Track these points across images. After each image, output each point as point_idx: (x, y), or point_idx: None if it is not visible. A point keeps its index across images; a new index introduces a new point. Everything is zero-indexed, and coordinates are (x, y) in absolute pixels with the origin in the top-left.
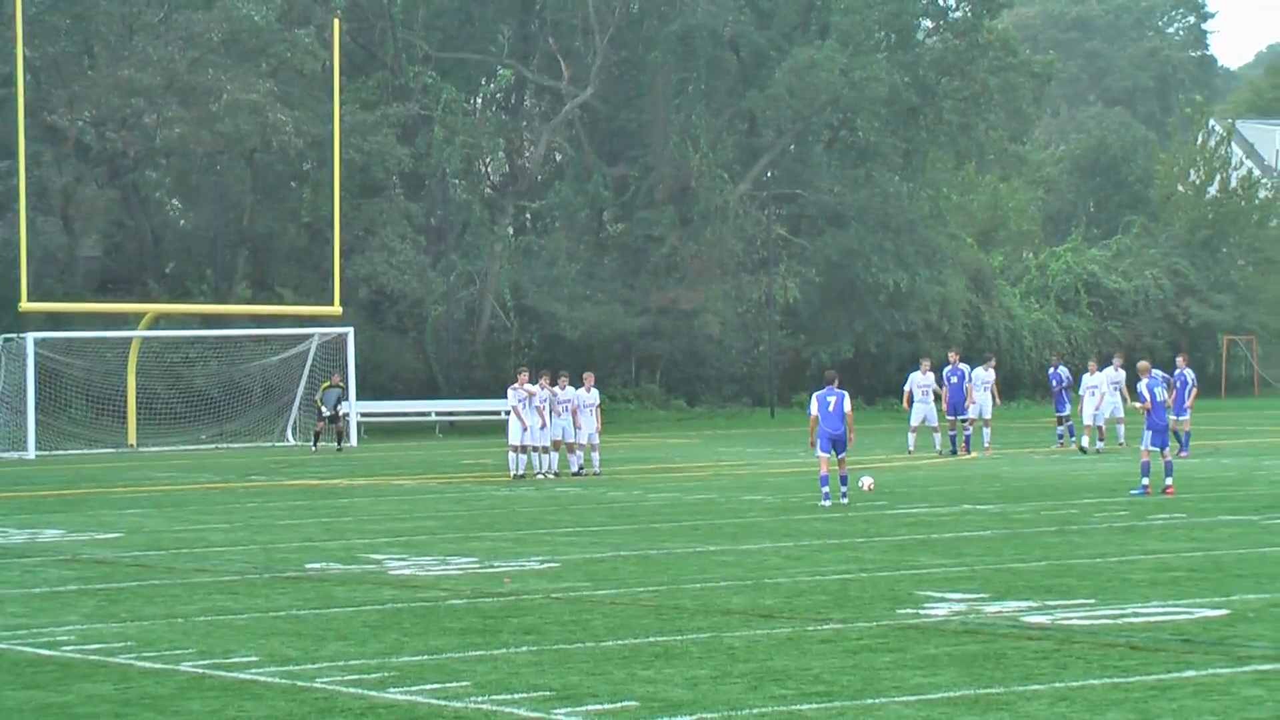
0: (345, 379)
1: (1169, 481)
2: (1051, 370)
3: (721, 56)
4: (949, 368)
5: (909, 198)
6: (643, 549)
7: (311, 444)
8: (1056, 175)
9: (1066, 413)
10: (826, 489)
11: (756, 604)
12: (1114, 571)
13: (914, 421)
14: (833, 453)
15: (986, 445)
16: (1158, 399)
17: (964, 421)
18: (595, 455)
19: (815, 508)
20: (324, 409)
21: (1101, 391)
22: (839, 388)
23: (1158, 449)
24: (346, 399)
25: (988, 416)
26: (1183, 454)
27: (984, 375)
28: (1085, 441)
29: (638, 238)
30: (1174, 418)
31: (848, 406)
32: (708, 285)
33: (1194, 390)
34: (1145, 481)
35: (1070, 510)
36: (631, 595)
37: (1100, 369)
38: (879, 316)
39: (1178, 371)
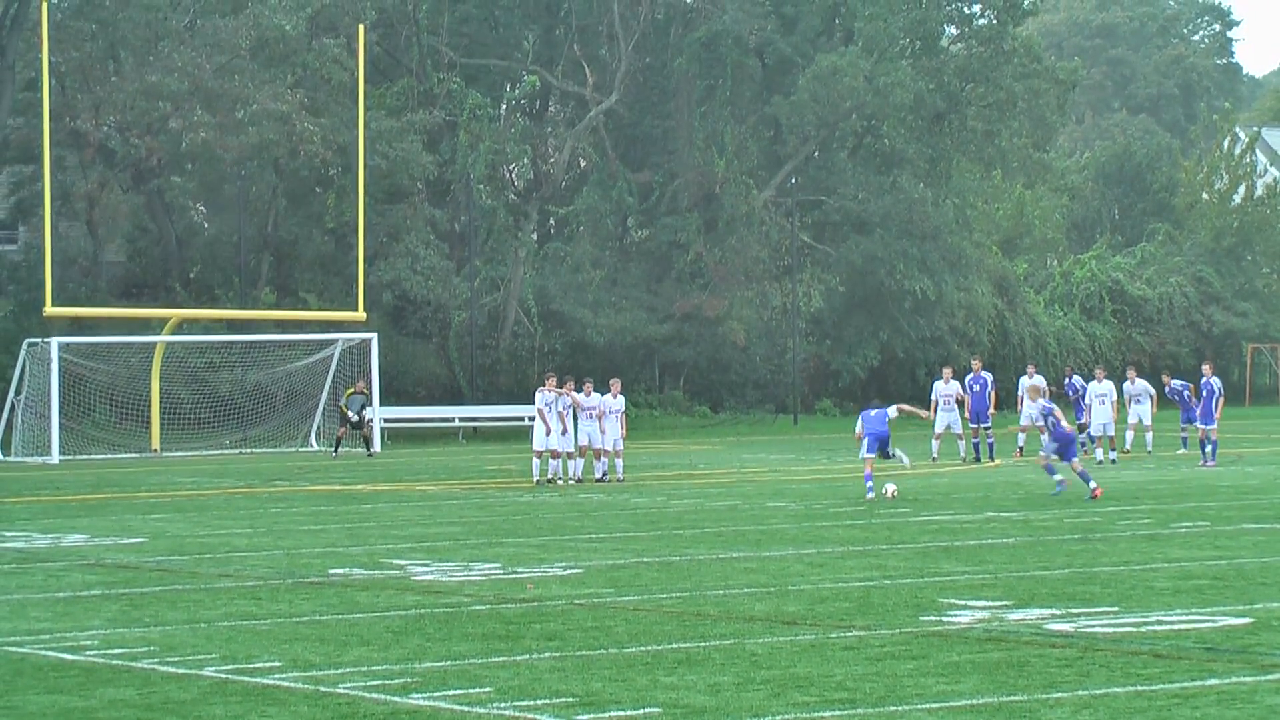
0: (369, 385)
1: (1093, 485)
2: (1066, 380)
3: (746, 63)
4: (971, 375)
5: (934, 204)
6: (665, 555)
7: (333, 449)
8: (1081, 182)
9: (1084, 421)
10: (871, 484)
11: (779, 611)
12: (1137, 579)
13: (938, 429)
14: (878, 453)
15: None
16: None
17: (986, 429)
18: (619, 462)
19: (839, 514)
20: (350, 414)
21: (1114, 400)
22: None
23: (1059, 459)
24: (371, 405)
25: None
26: (1210, 464)
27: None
28: (1099, 454)
29: (662, 244)
30: (1201, 426)
31: (892, 413)
32: (732, 292)
33: (1220, 399)
34: (1060, 478)
35: (1093, 518)
36: (654, 601)
37: (1101, 379)
38: (904, 323)
39: (1204, 380)
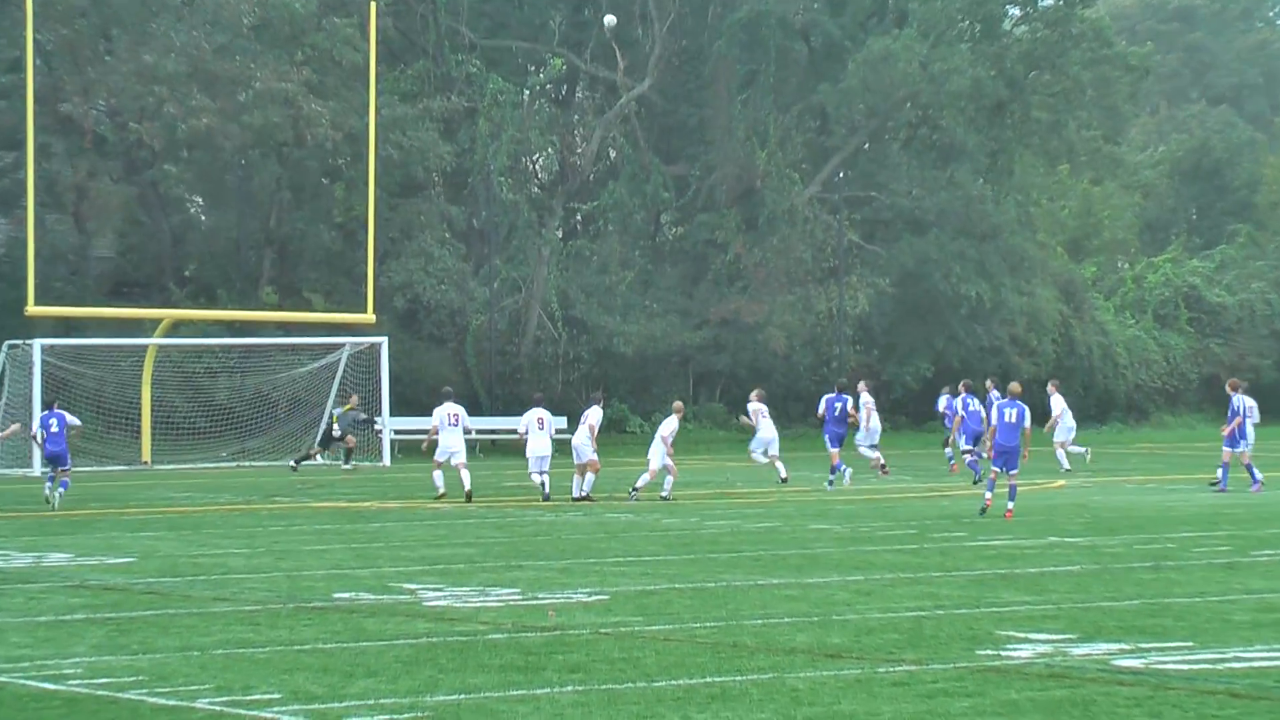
0: (376, 397)
1: (1010, 505)
2: (959, 396)
3: (791, 47)
4: (962, 396)
5: (994, 201)
6: (699, 581)
7: (342, 461)
8: (1155, 179)
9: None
10: (989, 494)
11: (822, 642)
12: (1213, 611)
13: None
14: (1003, 469)
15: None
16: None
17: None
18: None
19: (888, 537)
20: (335, 429)
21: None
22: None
23: (1000, 469)
24: (367, 425)
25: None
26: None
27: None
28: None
29: (698, 243)
30: (1232, 449)
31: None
32: (773, 295)
33: (1241, 420)
34: (987, 495)
35: (1166, 544)
36: (687, 631)
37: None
38: (960, 331)
39: (1234, 399)
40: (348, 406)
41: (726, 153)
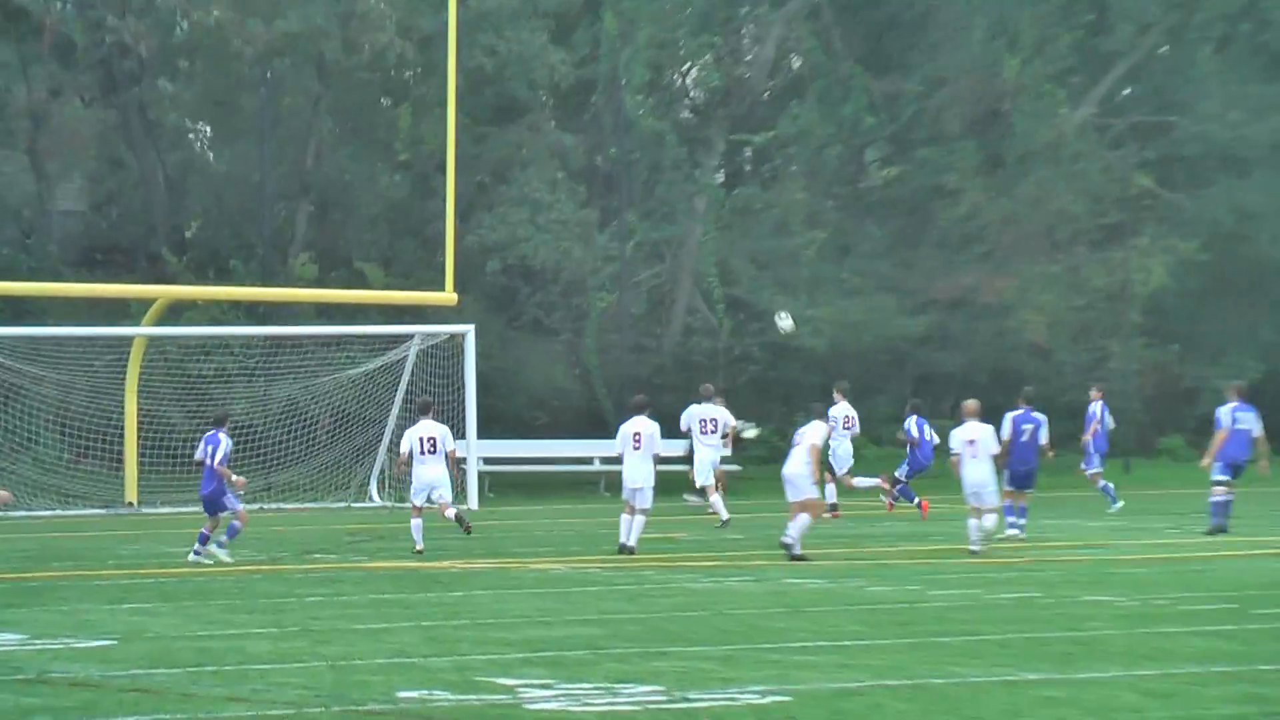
0: (459, 411)
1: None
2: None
3: None
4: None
5: None
6: (920, 675)
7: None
8: None
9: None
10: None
11: None
12: None
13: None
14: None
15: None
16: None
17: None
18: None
19: (1193, 614)
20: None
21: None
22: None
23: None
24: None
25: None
26: None
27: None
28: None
29: (918, 190)
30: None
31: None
32: (1027, 265)
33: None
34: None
35: None
36: None
37: None
38: None
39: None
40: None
41: (960, 60)
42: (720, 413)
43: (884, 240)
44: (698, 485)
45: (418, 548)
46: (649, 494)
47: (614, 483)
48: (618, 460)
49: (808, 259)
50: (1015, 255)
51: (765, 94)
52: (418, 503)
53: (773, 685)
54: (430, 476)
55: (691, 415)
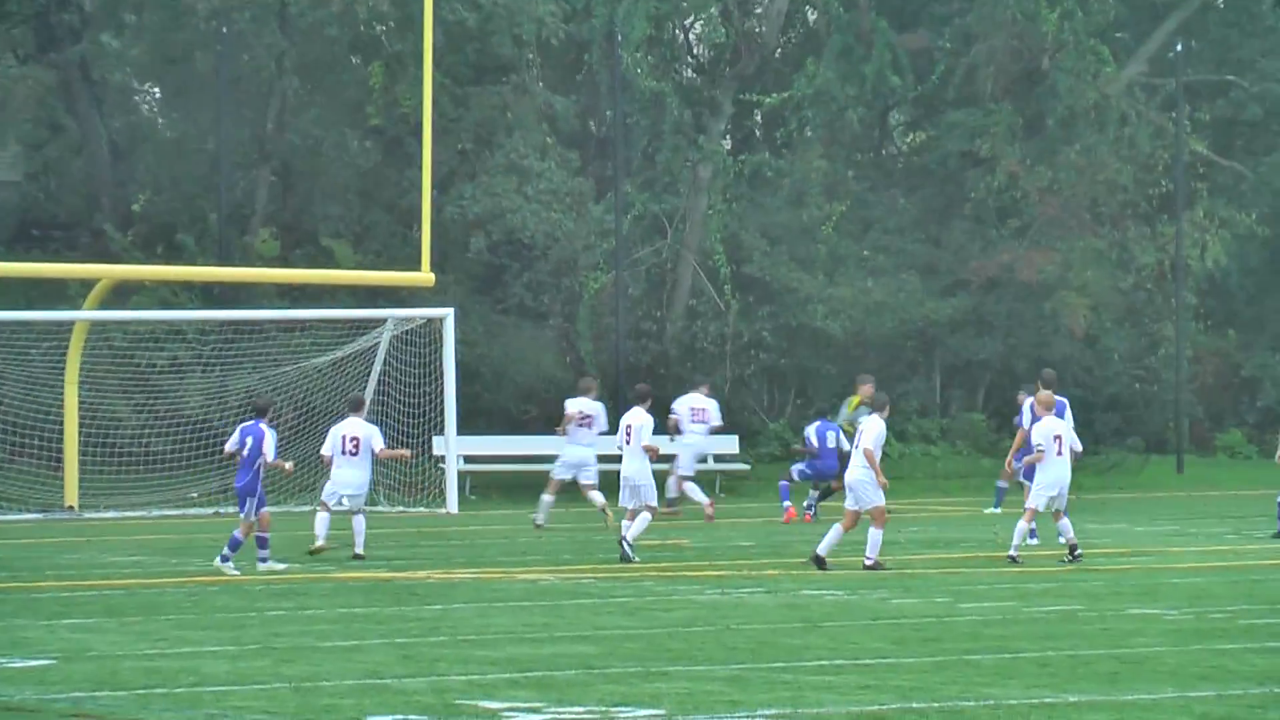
0: (436, 402)
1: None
2: None
3: None
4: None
5: None
6: (950, 698)
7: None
8: None
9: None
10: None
11: None
12: None
13: None
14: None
15: None
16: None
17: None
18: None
19: (1253, 630)
20: None
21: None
22: None
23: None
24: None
25: None
26: None
27: None
28: None
29: (948, 158)
30: None
31: None
32: (1067, 242)
33: None
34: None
35: None
36: None
37: None
38: None
39: None
40: None
41: (994, 14)
42: (709, 404)
43: (910, 213)
44: (679, 474)
45: (317, 544)
46: (650, 490)
47: (610, 483)
48: (616, 460)
49: (825, 234)
50: (1056, 230)
51: (778, 51)
52: (329, 503)
53: (785, 709)
54: (346, 479)
55: (682, 404)
